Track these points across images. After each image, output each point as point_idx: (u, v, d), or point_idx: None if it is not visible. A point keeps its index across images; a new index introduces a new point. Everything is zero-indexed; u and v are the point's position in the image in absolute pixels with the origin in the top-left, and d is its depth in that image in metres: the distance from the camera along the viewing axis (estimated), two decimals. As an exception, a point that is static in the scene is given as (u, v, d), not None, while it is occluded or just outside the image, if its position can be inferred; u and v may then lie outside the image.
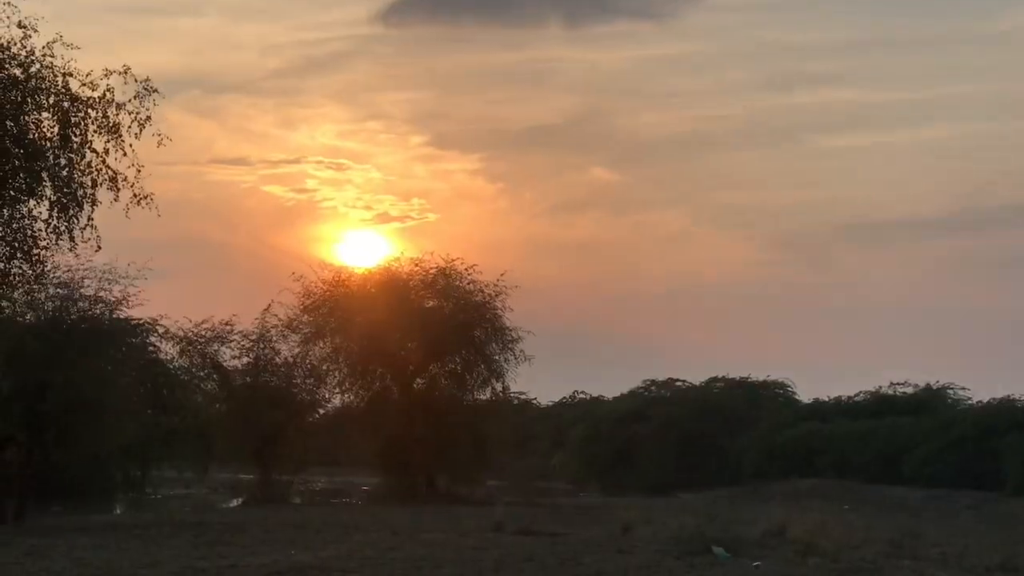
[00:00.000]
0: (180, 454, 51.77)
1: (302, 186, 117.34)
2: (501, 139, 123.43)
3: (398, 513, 40.91)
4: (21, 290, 18.33)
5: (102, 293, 35.27)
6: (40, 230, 18.22)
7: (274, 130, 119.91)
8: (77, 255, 18.68)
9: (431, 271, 49.70)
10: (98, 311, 35.65)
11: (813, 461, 62.60)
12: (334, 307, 49.22)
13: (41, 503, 41.61)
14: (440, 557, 26.24)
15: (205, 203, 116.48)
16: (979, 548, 30.19)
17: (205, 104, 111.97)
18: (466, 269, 49.67)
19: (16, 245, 18.15)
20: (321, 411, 51.94)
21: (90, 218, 18.33)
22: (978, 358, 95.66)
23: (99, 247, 18.63)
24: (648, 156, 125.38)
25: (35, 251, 18.21)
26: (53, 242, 18.29)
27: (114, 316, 40.74)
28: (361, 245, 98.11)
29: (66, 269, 35.40)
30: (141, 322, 45.54)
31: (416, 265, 49.97)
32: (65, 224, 18.18)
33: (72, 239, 18.32)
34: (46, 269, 18.64)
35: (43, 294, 35.35)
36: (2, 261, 18.33)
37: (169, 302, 63.47)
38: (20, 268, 18.36)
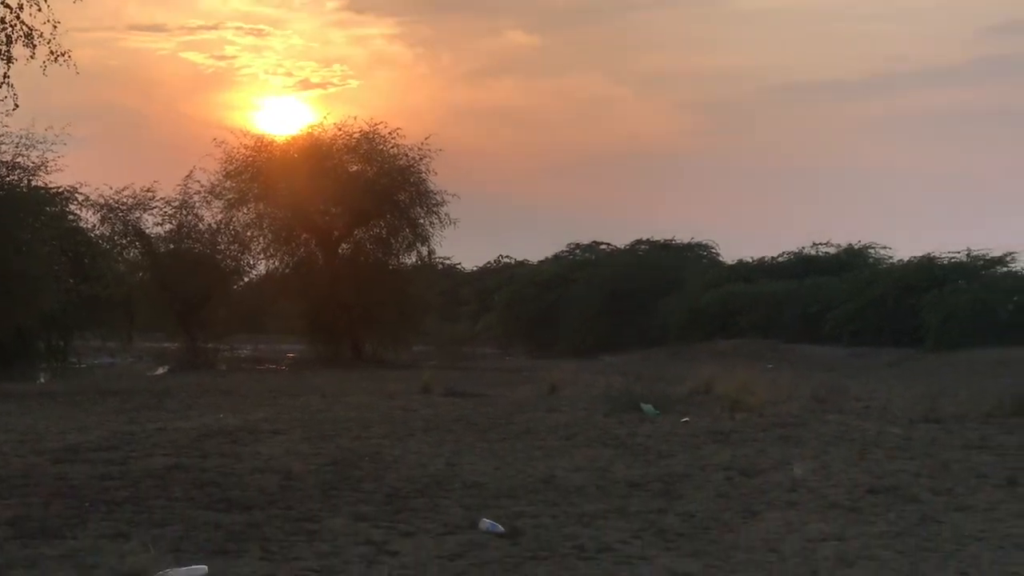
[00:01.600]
0: (104, 323, 51.31)
1: (221, 53, 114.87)
2: (417, 2, 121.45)
3: (325, 377, 40.97)
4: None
5: (19, 159, 34.70)
6: (-47, 86, 17.77)
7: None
8: (-8, 114, 18.25)
9: (354, 135, 49.24)
10: (16, 177, 35.06)
11: (736, 321, 63.18)
12: (257, 173, 48.71)
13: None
14: (368, 418, 26.34)
15: (122, 70, 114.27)
16: (901, 401, 30.70)
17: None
18: (389, 133, 49.31)
19: (-72, 102, 17.74)
20: (246, 278, 51.68)
21: (5, 75, 17.85)
22: (899, 218, 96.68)
23: (16, 105, 18.19)
24: (565, 19, 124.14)
25: (-52, 107, 17.83)
26: (-32, 100, 17.88)
27: (32, 184, 40.18)
28: (283, 112, 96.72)
29: (-19, 134, 34.85)
30: (60, 190, 44.94)
31: (339, 130, 49.51)
32: (-21, 82, 17.77)
33: (-13, 96, 17.92)
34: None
35: (-42, 160, 34.82)
36: (-85, 119, 18.04)
37: (86, 170, 62.71)
38: (-67, 126, 17.98)
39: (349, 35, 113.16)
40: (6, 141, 34.49)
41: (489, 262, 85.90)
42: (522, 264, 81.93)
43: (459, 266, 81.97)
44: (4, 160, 34.77)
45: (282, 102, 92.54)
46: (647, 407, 27.33)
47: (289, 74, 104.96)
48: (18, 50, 17.73)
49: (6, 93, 17.87)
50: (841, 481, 18.15)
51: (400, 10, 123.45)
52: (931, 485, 17.85)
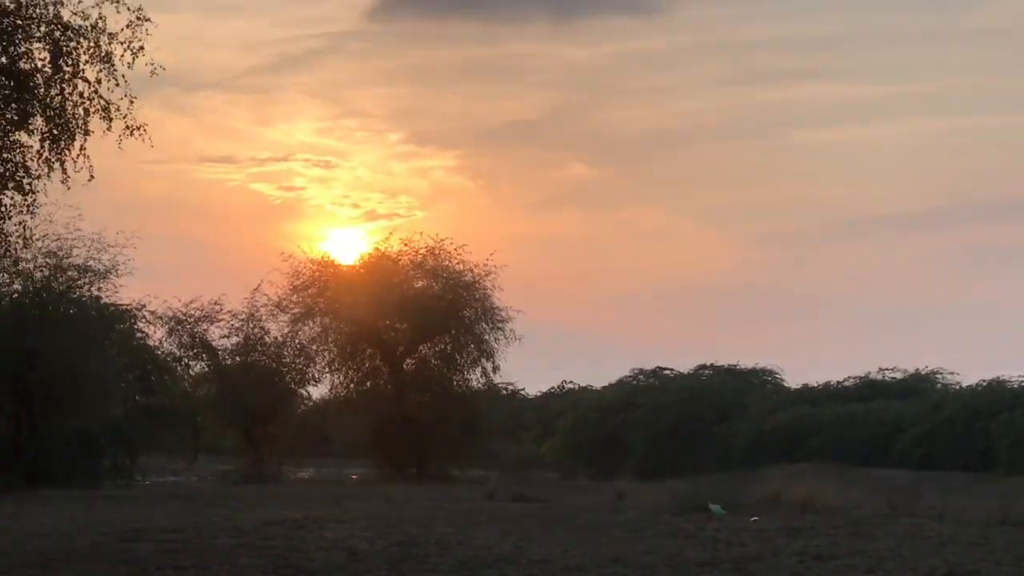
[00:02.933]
0: (169, 437, 51.30)
1: (290, 184, 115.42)
2: (479, 136, 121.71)
3: (390, 488, 40.67)
4: (14, 221, 18.06)
5: (91, 262, 35.07)
6: (31, 160, 18.03)
7: (250, 127, 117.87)
8: (68, 187, 18.41)
9: (420, 251, 49.38)
10: (87, 280, 35.43)
11: (802, 445, 62.25)
12: (323, 288, 48.84)
13: (30, 488, 41.24)
14: (434, 514, 26.10)
15: (192, 201, 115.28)
16: (976, 509, 30.08)
17: (181, 101, 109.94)
18: (455, 249, 49.37)
19: (7, 175, 17.93)
20: (309, 401, 51.35)
21: (82, 147, 18.12)
22: (968, 347, 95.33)
23: (92, 176, 18.38)
24: (627, 152, 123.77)
25: (27, 180, 18.01)
26: (45, 173, 18.11)
27: (102, 302, 40.46)
28: (350, 242, 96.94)
29: (55, 238, 35.30)
30: (129, 308, 45.10)
31: (405, 245, 49.67)
32: (56, 155, 18.00)
33: (64, 170, 18.14)
34: (37, 199, 18.40)
35: (32, 263, 35.21)
36: (-5, 191, 18.19)
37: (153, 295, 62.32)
38: (12, 198, 18.15)
39: (410, 167, 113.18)
40: (78, 244, 34.94)
41: (553, 388, 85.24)
42: (585, 389, 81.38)
43: (523, 391, 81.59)
44: (76, 264, 35.18)
45: (349, 233, 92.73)
46: (715, 507, 26.96)
47: (356, 205, 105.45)
48: (95, 123, 17.99)
49: (82, 165, 18.11)
50: (919, 567, 17.76)
51: (462, 143, 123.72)
52: (1013, 572, 17.43)
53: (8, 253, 18.39)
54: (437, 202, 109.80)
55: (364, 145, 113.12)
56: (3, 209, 17.87)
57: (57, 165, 18.08)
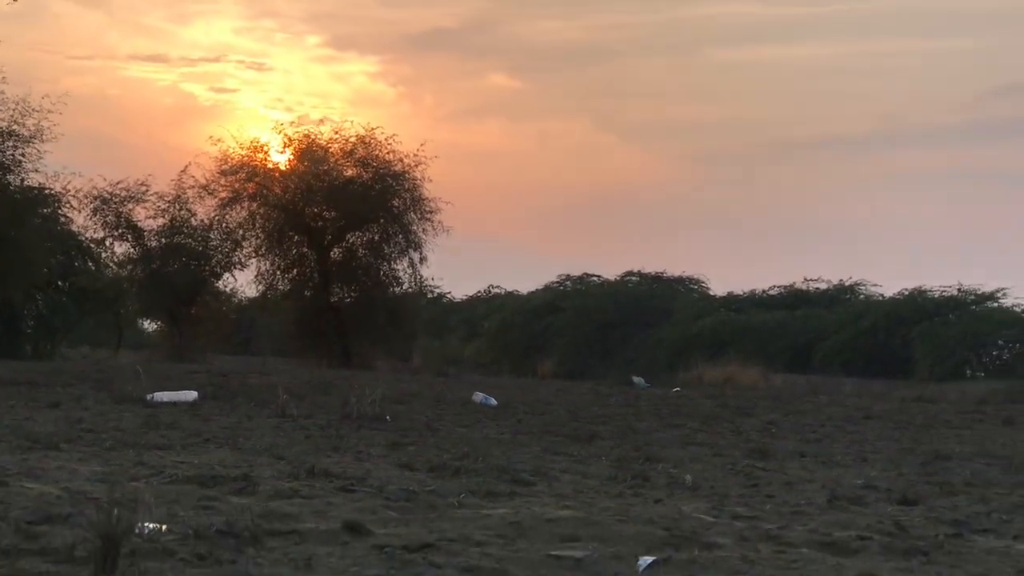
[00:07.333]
0: (91, 323, 50.95)
1: (222, 85, 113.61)
2: (398, 42, 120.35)
3: (314, 372, 40.69)
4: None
5: (15, 127, 34.53)
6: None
7: (165, 24, 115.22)
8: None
9: (350, 140, 49.06)
10: (11, 144, 34.93)
11: (726, 351, 62.83)
12: (252, 173, 48.46)
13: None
14: (361, 379, 26.16)
15: (118, 101, 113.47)
16: (890, 399, 30.66)
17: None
18: (386, 139, 49.09)
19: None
20: (236, 279, 50.73)
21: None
22: (891, 263, 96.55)
23: (16, -2, 18.10)
24: (547, 64, 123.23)
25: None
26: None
27: (25, 184, 40.06)
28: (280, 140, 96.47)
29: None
30: (53, 192, 44.51)
31: (336, 133, 49.33)
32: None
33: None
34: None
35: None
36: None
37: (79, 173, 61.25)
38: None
39: (329, 71, 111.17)
40: (2, 108, 34.33)
41: (479, 292, 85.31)
42: (511, 295, 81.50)
43: (449, 295, 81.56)
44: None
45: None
46: (638, 380, 27.25)
47: (289, 109, 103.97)
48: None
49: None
50: (836, 415, 18.09)
51: (382, 49, 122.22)
52: (927, 423, 17.83)
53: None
54: (358, 108, 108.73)
55: (282, 47, 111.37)
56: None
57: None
